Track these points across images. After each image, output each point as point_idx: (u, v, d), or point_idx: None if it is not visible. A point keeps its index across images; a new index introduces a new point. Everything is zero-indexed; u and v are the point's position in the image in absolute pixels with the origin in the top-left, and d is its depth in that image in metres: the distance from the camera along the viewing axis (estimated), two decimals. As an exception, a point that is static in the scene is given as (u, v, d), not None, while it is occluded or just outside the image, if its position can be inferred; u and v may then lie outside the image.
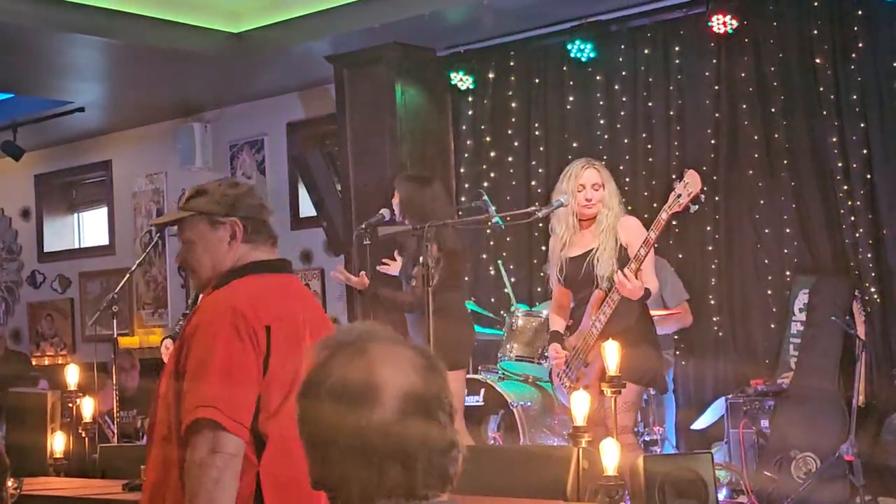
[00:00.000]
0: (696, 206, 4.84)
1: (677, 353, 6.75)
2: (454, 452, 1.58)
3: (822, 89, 6.44)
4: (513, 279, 7.59)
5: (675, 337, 6.72)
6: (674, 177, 5.51)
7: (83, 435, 5.76)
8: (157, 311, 9.90)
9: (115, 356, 6.79)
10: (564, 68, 7.40)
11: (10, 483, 3.31)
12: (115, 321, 6.61)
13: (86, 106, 9.06)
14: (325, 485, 1.59)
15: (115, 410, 6.65)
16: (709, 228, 6.82)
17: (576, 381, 5.01)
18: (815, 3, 6.47)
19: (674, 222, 4.94)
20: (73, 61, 7.91)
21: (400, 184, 5.94)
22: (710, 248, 6.83)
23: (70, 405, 5.85)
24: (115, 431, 6.71)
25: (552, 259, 5.19)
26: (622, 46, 7.18)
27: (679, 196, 4.76)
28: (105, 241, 10.45)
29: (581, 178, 5.01)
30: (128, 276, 6.69)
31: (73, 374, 5.77)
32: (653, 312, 5.31)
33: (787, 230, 6.60)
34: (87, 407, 5.76)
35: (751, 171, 6.71)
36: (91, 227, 10.94)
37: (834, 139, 6.39)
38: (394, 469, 1.52)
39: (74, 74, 8.27)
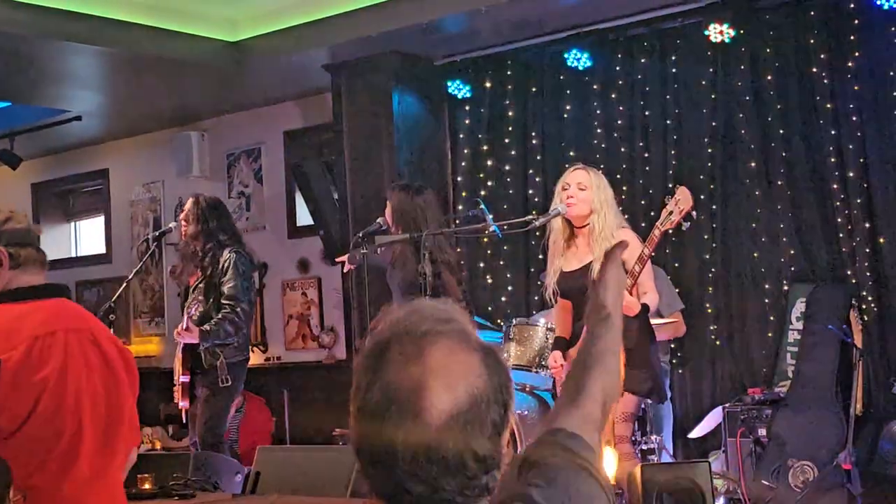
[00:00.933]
0: (689, 223, 4.85)
1: (674, 361, 6.75)
2: (492, 472, 1.51)
3: (818, 98, 6.45)
4: (510, 287, 7.59)
5: (672, 346, 6.72)
6: (669, 185, 5.50)
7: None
8: (154, 320, 9.88)
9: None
10: (561, 77, 7.40)
11: (12, 494, 3.30)
12: (111, 330, 6.59)
13: (83, 114, 9.05)
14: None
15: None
16: (706, 237, 6.82)
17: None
18: (812, 13, 6.48)
19: (670, 231, 4.95)
20: (70, 70, 7.90)
21: (391, 194, 5.94)
22: (707, 256, 6.83)
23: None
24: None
25: (549, 269, 5.19)
26: (619, 55, 7.18)
27: (671, 213, 4.78)
28: (102, 249, 10.43)
29: (567, 178, 5.05)
30: (125, 284, 6.67)
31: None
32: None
33: (784, 239, 6.60)
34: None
35: (747, 180, 6.71)
36: (88, 236, 10.92)
37: (831, 148, 6.40)
38: (420, 486, 1.47)
39: (72, 83, 8.26)
